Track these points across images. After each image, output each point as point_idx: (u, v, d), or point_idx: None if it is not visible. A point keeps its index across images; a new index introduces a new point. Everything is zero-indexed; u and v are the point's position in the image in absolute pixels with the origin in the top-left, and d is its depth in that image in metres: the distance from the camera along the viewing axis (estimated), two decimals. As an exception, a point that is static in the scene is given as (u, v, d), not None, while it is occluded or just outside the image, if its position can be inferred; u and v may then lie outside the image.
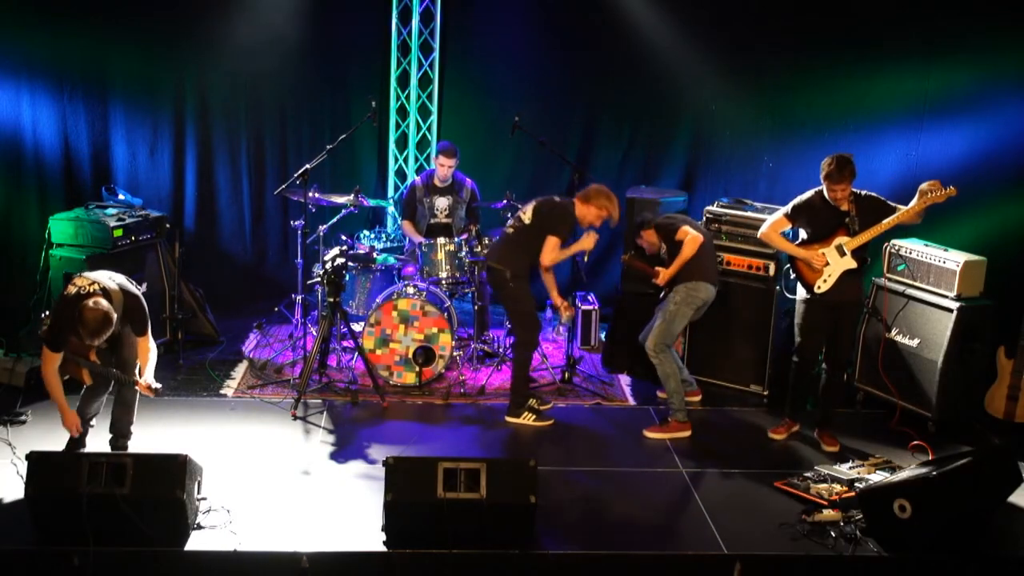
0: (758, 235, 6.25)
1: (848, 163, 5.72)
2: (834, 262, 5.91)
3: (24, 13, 7.50)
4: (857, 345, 6.78)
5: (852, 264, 5.89)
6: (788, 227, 6.09)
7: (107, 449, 5.57)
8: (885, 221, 5.80)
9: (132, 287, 5.39)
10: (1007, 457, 5.47)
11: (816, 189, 5.94)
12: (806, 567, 4.99)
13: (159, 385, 5.38)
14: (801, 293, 6.08)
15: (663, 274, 6.40)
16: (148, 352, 5.42)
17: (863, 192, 5.92)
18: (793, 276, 6.16)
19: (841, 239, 5.88)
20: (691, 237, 6.22)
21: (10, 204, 7.65)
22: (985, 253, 6.46)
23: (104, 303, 5.06)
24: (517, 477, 4.86)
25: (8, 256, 7.57)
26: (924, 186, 5.70)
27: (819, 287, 5.94)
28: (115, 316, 5.10)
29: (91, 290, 5.13)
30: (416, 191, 7.56)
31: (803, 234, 6.07)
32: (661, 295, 6.52)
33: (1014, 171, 7.30)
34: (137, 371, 5.47)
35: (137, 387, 5.38)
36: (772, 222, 6.10)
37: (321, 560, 4.82)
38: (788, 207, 6.05)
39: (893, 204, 5.86)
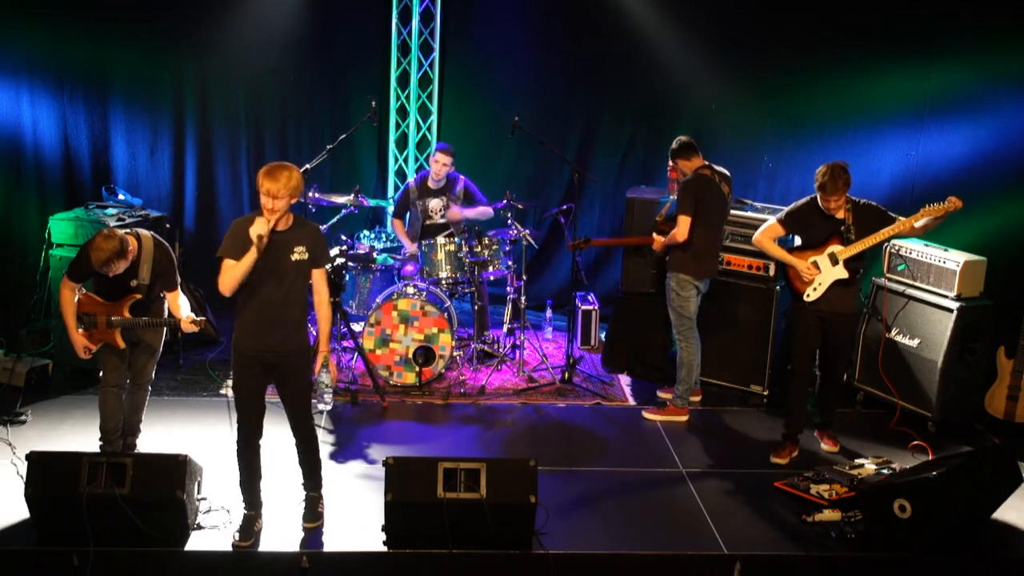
0: (752, 240, 6.17)
1: (843, 173, 5.57)
2: (825, 270, 5.78)
3: (24, 13, 7.51)
4: (857, 345, 6.77)
5: (844, 274, 5.74)
6: (782, 234, 5.95)
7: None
8: (881, 231, 5.66)
9: (164, 242, 5.46)
10: (1007, 457, 5.47)
11: (811, 196, 5.80)
12: (806, 567, 4.99)
13: (202, 318, 5.42)
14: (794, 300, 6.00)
15: (658, 241, 6.44)
16: (179, 300, 5.46)
17: (861, 201, 5.79)
18: (784, 283, 6.09)
19: (834, 247, 5.75)
20: (683, 229, 6.19)
21: (10, 204, 7.66)
22: (985, 253, 6.46)
23: (120, 234, 5.12)
24: (517, 477, 4.86)
25: (8, 256, 7.57)
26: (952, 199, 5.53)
27: (808, 295, 5.82)
28: (130, 251, 5.15)
29: (119, 228, 5.22)
30: (410, 193, 7.56)
31: (797, 240, 5.97)
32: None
33: (1014, 171, 7.30)
34: (159, 338, 5.59)
35: (182, 325, 5.39)
36: (765, 228, 5.98)
37: (321, 560, 4.82)
38: (782, 213, 5.95)
39: (893, 215, 5.73)
